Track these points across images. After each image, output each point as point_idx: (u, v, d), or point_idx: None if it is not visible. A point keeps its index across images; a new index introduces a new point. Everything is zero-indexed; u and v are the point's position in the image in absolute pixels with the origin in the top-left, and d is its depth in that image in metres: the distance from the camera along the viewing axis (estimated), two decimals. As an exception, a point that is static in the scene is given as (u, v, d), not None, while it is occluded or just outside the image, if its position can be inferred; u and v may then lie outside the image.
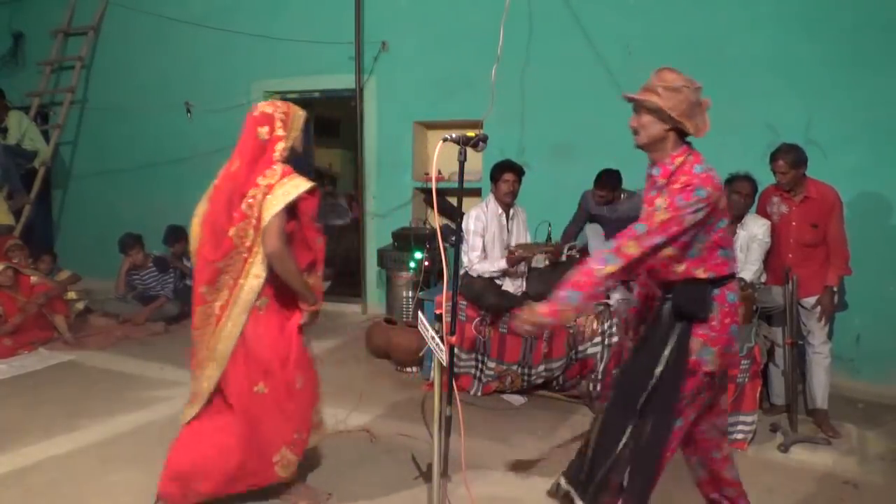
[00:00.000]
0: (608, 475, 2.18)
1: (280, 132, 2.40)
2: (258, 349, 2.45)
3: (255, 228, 2.32)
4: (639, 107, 2.18)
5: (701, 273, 2.14)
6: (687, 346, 2.14)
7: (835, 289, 3.58)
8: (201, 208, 2.51)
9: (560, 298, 2.10)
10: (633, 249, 2.05)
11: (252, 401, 2.46)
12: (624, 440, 2.17)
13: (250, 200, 2.31)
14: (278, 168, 2.35)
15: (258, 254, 2.35)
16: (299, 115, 2.49)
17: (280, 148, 2.39)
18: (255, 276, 2.38)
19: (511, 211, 4.08)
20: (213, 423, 2.50)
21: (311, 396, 2.61)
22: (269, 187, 2.30)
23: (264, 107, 2.44)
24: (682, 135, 2.17)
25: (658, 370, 2.13)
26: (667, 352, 2.14)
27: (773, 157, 3.55)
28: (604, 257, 2.10)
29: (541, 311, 2.12)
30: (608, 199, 4.26)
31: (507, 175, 3.93)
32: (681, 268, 2.15)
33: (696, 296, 2.14)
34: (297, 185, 2.33)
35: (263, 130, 2.38)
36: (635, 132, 2.20)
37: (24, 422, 3.52)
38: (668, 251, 2.08)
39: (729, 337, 2.18)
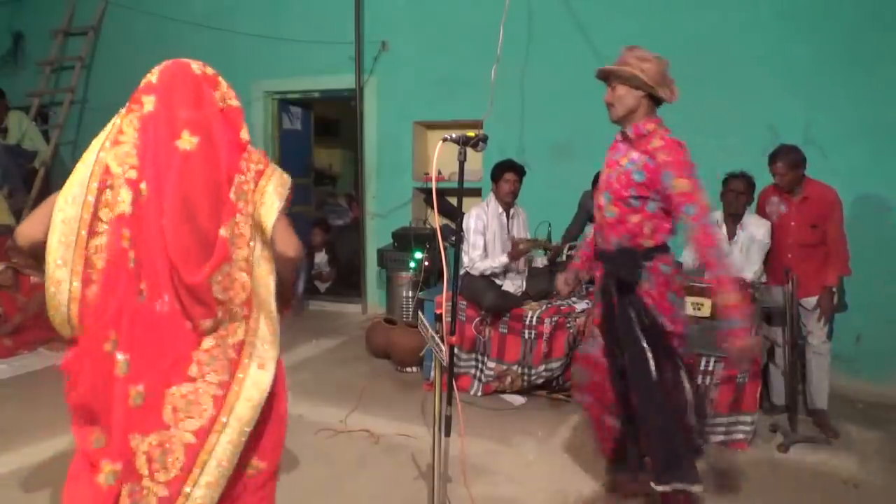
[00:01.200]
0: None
1: (235, 102, 1.68)
2: (276, 406, 1.72)
3: (251, 226, 1.61)
4: (613, 80, 2.36)
5: (648, 240, 2.37)
6: (646, 308, 2.35)
7: (834, 289, 3.57)
8: (69, 206, 1.51)
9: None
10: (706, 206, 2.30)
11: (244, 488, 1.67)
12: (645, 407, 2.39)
13: (244, 188, 1.59)
14: (258, 151, 1.68)
15: (262, 261, 1.62)
16: None
17: (245, 125, 1.69)
18: (266, 287, 1.62)
19: (512, 211, 4.08)
20: None
21: None
22: (259, 174, 1.62)
23: (200, 66, 1.66)
24: (653, 105, 2.37)
25: (632, 335, 2.37)
26: (632, 315, 2.36)
27: (772, 160, 3.55)
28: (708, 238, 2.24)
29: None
30: None
31: (508, 175, 3.94)
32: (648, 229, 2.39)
33: (628, 262, 2.36)
34: (285, 175, 1.68)
35: (217, 96, 1.65)
36: (611, 106, 2.40)
37: (24, 422, 3.51)
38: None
39: (671, 305, 2.39)
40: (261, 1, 6.03)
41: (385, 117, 5.73)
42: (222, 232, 1.57)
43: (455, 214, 2.81)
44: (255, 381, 1.57)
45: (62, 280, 1.52)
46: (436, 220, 2.91)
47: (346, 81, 5.74)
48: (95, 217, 1.53)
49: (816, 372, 3.63)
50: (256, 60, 6.06)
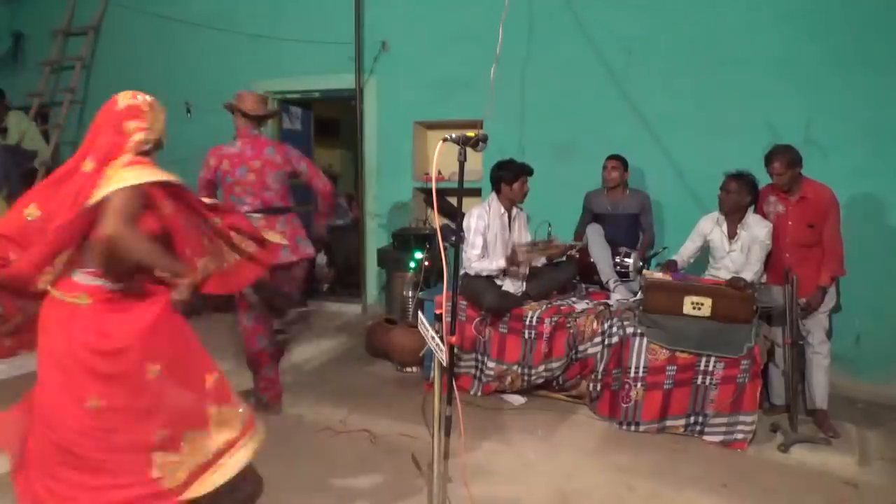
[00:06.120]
0: None
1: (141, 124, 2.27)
2: None
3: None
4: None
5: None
6: None
7: (827, 288, 3.57)
8: None
9: None
10: None
11: None
12: None
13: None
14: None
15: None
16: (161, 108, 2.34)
17: (138, 139, 2.26)
18: None
19: (513, 212, 4.08)
20: None
21: None
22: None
23: (128, 99, 2.24)
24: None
25: None
26: None
27: (768, 160, 3.56)
28: None
29: None
30: (622, 175, 4.31)
31: (524, 177, 3.94)
32: None
33: None
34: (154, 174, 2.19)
35: (131, 125, 2.26)
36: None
37: (24, 422, 3.51)
38: None
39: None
40: (261, 1, 6.02)
41: (385, 117, 5.73)
42: None
43: (455, 214, 2.81)
44: None
45: None
46: (436, 220, 2.91)
47: (346, 81, 5.74)
48: None
49: (816, 372, 3.62)
50: (256, 60, 6.05)
